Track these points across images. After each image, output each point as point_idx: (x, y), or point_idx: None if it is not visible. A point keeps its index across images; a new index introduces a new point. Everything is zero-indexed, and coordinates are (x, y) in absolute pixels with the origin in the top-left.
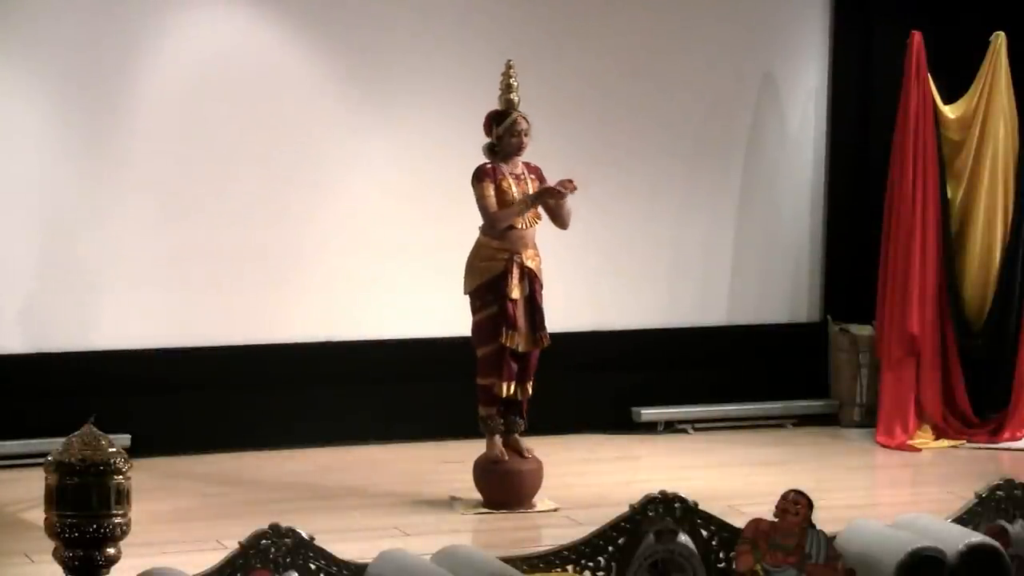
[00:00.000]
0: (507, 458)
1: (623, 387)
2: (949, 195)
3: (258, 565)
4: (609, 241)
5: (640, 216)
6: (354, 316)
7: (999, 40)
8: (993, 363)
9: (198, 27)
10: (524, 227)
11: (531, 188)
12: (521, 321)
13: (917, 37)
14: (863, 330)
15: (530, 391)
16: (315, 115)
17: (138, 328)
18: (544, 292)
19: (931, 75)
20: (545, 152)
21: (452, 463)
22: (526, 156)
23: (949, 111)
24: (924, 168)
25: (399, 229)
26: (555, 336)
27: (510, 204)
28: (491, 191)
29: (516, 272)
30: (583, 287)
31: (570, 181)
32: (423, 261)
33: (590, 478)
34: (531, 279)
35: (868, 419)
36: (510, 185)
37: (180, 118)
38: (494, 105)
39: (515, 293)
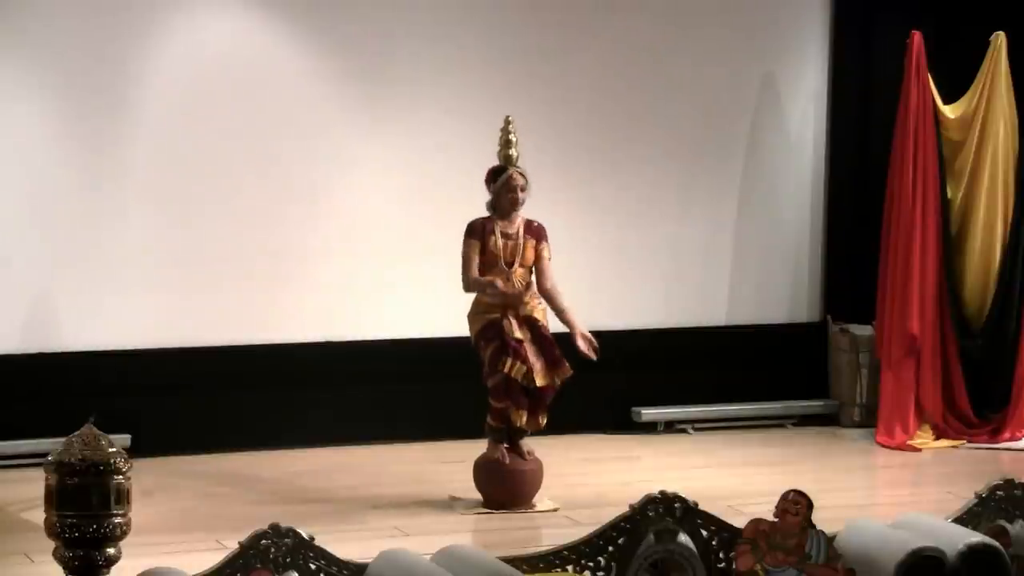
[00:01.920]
0: (508, 461)
1: (623, 387)
2: (949, 195)
3: (258, 565)
4: (609, 241)
5: (640, 216)
6: (354, 316)
7: (999, 40)
8: (993, 363)
9: (200, 29)
10: (513, 289)
11: (522, 250)
12: (533, 358)
13: (917, 37)
14: (863, 330)
15: (542, 423)
16: (316, 116)
17: (138, 328)
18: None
19: (931, 75)
20: (545, 153)
21: (452, 463)
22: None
23: (949, 111)
24: (924, 168)
25: (399, 230)
26: (556, 336)
27: (493, 264)
28: (474, 251)
29: (514, 321)
30: (583, 288)
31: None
32: (423, 262)
33: (590, 478)
34: (532, 325)
35: (868, 419)
36: (497, 244)
37: (181, 119)
38: (496, 106)
39: (517, 334)
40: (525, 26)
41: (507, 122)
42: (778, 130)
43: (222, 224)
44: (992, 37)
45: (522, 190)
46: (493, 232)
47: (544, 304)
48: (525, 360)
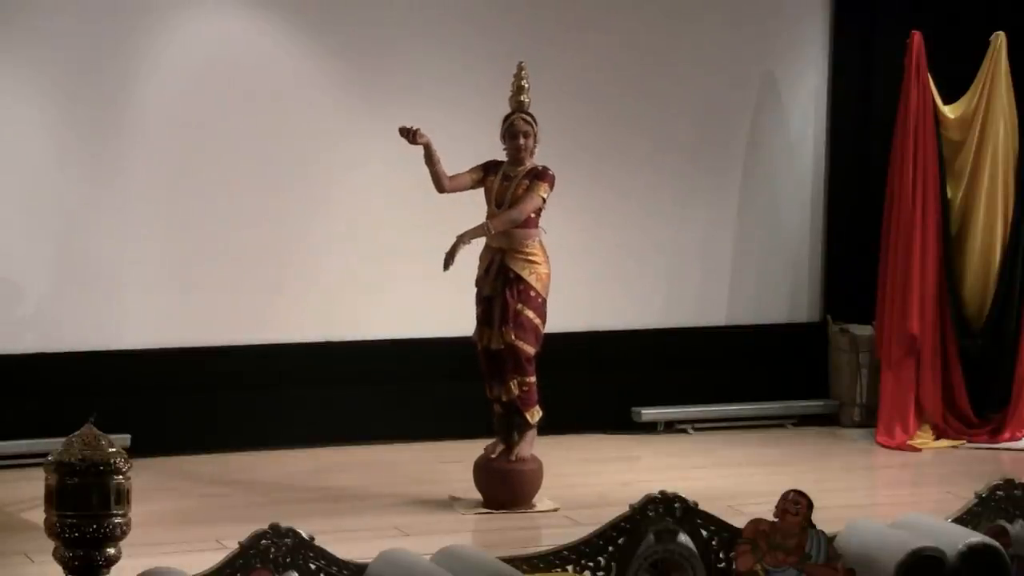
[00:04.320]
0: (493, 455)
1: (623, 387)
2: (949, 195)
3: (258, 565)
4: (610, 241)
5: (640, 216)
6: (354, 316)
7: (999, 40)
8: (993, 363)
9: (200, 29)
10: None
11: (513, 190)
12: (495, 317)
13: (917, 37)
14: (863, 330)
15: (514, 390)
16: (316, 116)
17: (139, 328)
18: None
19: (931, 75)
20: (545, 153)
21: (452, 463)
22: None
23: (949, 111)
24: (924, 168)
25: (399, 230)
26: (556, 336)
27: (489, 200)
28: (471, 170)
29: (493, 270)
30: (584, 287)
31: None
32: (423, 262)
33: (590, 478)
34: (508, 278)
35: (868, 419)
36: (493, 184)
37: (181, 119)
38: (496, 107)
39: (486, 290)
40: (525, 26)
41: (520, 68)
42: (778, 130)
43: (222, 224)
44: (992, 37)
45: (525, 136)
46: (498, 173)
47: (532, 260)
48: (490, 322)
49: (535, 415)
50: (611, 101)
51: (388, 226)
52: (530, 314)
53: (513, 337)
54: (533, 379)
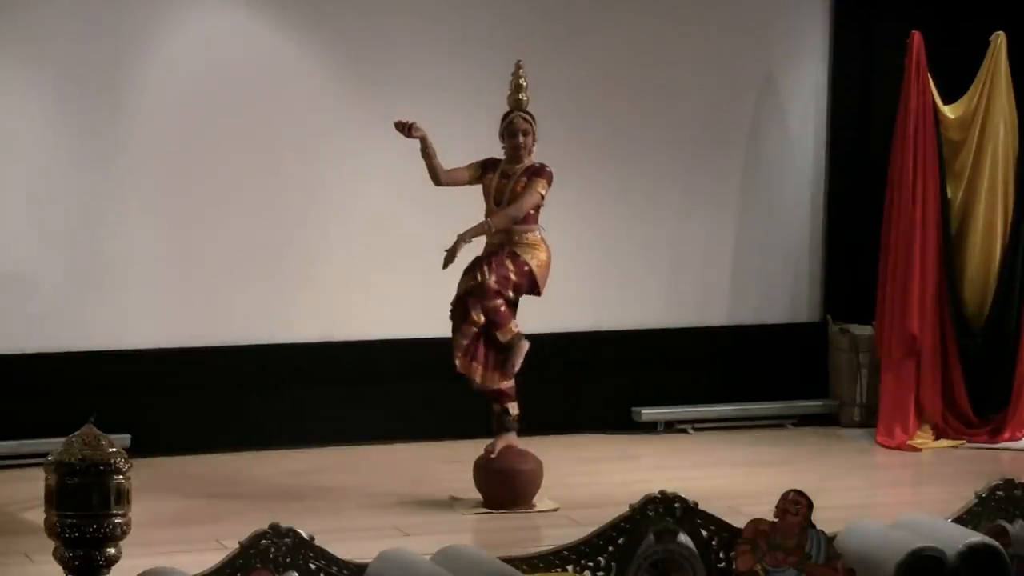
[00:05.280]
0: (493, 455)
1: (623, 387)
2: (949, 195)
3: (258, 565)
4: (610, 241)
5: (640, 216)
6: (354, 316)
7: (999, 40)
8: (993, 363)
9: (201, 28)
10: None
11: (511, 187)
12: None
13: (917, 37)
14: (863, 330)
15: (479, 318)
16: (316, 115)
17: (139, 328)
18: (544, 291)
19: (931, 75)
20: (546, 152)
21: (452, 463)
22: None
23: (949, 111)
24: (924, 168)
25: (400, 229)
26: (556, 336)
27: (488, 198)
28: (468, 166)
29: (492, 263)
30: (583, 287)
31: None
32: (423, 261)
33: (590, 478)
34: (502, 259)
35: (868, 419)
36: (492, 181)
37: (181, 118)
38: (497, 104)
39: (478, 277)
40: (527, 26)
41: (518, 67)
42: (778, 130)
43: (222, 224)
44: (992, 37)
45: (524, 134)
46: (496, 171)
47: (534, 247)
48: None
49: (508, 333)
50: (610, 101)
51: (389, 226)
52: (511, 268)
53: (484, 276)
54: (500, 301)
